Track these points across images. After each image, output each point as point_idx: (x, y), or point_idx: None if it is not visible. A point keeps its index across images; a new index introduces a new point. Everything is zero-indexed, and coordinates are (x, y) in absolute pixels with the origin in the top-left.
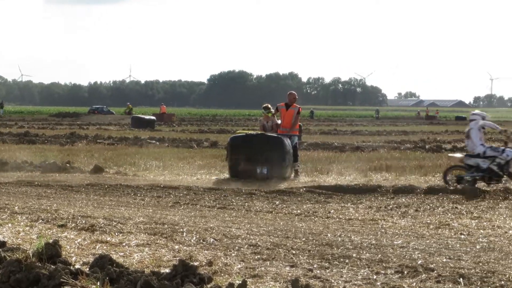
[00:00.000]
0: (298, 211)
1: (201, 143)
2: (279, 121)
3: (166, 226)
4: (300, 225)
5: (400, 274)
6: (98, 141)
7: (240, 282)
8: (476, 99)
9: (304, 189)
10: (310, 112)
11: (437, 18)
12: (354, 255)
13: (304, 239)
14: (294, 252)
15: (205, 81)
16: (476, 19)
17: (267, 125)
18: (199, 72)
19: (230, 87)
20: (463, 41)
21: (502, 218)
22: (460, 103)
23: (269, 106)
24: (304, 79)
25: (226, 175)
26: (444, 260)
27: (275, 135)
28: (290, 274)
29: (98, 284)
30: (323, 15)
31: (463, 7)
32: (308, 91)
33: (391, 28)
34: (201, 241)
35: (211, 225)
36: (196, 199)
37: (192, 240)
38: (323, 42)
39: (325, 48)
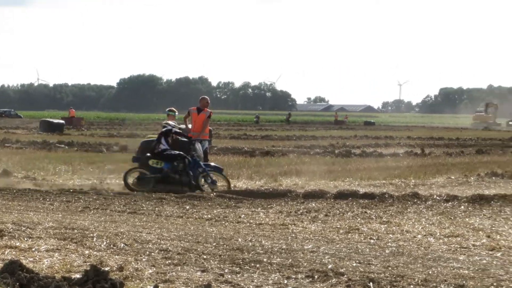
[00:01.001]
0: (209, 215)
1: (111, 147)
2: (190, 126)
3: (76, 231)
4: (211, 229)
5: (310, 279)
6: (6, 145)
7: (152, 287)
8: (385, 104)
9: (215, 193)
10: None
11: (345, 23)
12: (264, 259)
13: (215, 243)
14: (205, 257)
15: (115, 84)
16: (385, 23)
17: None
18: (108, 75)
19: (140, 91)
20: (372, 46)
21: (411, 222)
22: (369, 108)
23: (174, 109)
24: (214, 84)
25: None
26: (354, 264)
27: (186, 139)
28: (201, 279)
29: None
30: (232, 19)
31: (371, 12)
32: (218, 95)
33: (300, 32)
34: (111, 246)
35: (122, 230)
36: (106, 204)
37: (103, 245)
38: (233, 46)
39: (235, 52)
